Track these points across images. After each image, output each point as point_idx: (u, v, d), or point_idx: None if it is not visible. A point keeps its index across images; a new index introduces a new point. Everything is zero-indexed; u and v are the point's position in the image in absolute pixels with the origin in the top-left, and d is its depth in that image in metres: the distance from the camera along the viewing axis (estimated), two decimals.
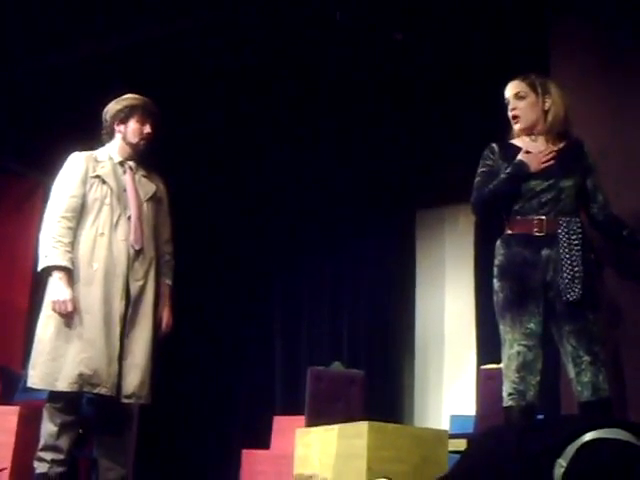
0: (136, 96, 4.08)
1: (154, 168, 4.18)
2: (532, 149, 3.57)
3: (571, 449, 2.13)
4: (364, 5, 5.11)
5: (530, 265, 3.44)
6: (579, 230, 3.40)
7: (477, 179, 3.65)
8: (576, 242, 3.37)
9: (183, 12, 5.20)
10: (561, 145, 3.58)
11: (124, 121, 4.05)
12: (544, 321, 3.43)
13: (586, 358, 3.34)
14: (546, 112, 3.58)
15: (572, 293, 3.32)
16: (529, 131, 3.62)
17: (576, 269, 3.34)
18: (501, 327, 3.49)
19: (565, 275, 3.34)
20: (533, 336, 3.40)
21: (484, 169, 3.64)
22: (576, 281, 3.32)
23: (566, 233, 3.40)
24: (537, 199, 3.49)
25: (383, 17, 5.23)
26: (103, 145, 4.11)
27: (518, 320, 3.42)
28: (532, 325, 3.41)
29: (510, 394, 3.40)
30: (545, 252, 3.43)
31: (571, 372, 3.39)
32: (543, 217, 3.46)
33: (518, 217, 3.52)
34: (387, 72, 5.82)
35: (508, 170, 3.53)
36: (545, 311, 3.43)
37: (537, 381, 3.40)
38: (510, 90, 3.65)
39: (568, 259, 3.35)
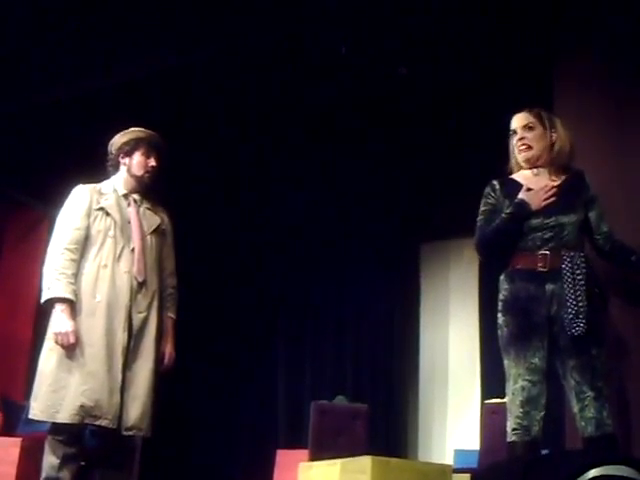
0: (142, 129, 4.10)
1: (159, 201, 4.20)
2: (533, 184, 3.57)
3: None
4: (369, 39, 5.15)
5: (534, 300, 3.43)
6: (583, 265, 3.39)
7: (479, 218, 3.65)
8: (580, 277, 3.37)
9: (188, 46, 5.25)
10: (562, 178, 3.59)
11: (129, 154, 4.07)
12: (548, 356, 3.42)
13: (590, 393, 3.32)
14: (552, 145, 3.60)
15: (577, 328, 3.31)
16: (534, 162, 3.62)
17: (580, 304, 3.32)
18: (505, 362, 3.47)
19: (570, 310, 3.33)
20: (537, 371, 3.39)
21: (486, 208, 3.64)
22: (580, 316, 3.31)
23: (570, 268, 3.39)
24: (540, 236, 3.48)
25: (388, 51, 5.27)
26: (108, 177, 4.13)
27: (522, 355, 3.41)
28: (536, 360, 3.40)
29: (514, 429, 3.38)
30: (549, 287, 3.42)
31: (575, 407, 3.36)
32: (547, 252, 3.46)
33: (522, 252, 3.51)
34: (391, 106, 5.85)
35: (509, 210, 3.53)
36: (549, 346, 3.42)
37: (541, 416, 3.38)
38: (519, 121, 3.65)
39: (572, 294, 3.34)
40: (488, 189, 3.66)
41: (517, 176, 3.66)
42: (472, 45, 5.11)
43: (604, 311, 3.55)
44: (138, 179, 4.07)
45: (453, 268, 6.93)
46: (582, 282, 3.35)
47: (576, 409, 3.35)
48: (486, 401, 5.42)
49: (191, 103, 5.87)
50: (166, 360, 4.02)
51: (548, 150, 3.60)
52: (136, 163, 4.06)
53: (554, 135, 3.59)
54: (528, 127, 3.61)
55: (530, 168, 3.63)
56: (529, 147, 3.61)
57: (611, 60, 4.14)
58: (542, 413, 3.38)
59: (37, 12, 5.00)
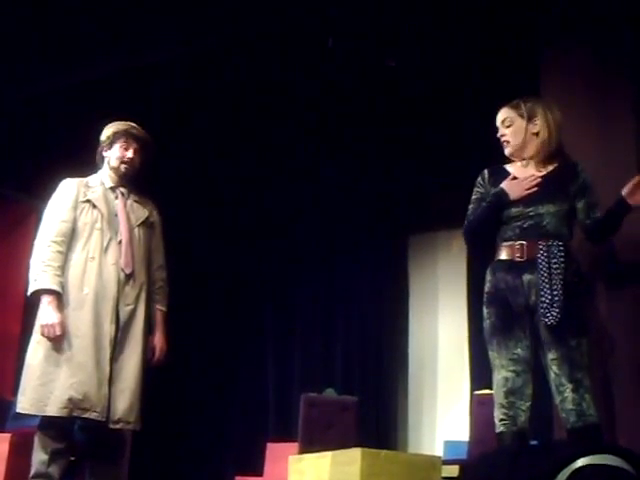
0: (122, 122, 4.10)
1: (147, 194, 4.19)
2: (521, 174, 3.59)
3: (563, 476, 2.12)
4: (357, 32, 5.14)
5: (513, 291, 3.45)
6: (560, 254, 3.39)
7: (469, 207, 3.69)
8: (556, 266, 3.37)
9: (177, 37, 5.24)
10: (550, 168, 3.59)
11: (110, 147, 4.08)
12: (532, 346, 3.43)
13: (568, 385, 3.32)
14: (536, 135, 3.60)
15: (550, 317, 3.31)
16: (519, 155, 3.64)
17: (555, 292, 3.33)
18: (489, 353, 3.50)
19: (543, 299, 3.34)
20: (521, 361, 3.41)
21: (475, 196, 3.69)
22: (555, 305, 3.31)
23: (545, 257, 3.39)
24: (519, 225, 3.51)
25: (376, 44, 5.27)
26: (97, 171, 4.13)
27: (504, 346, 3.43)
28: (519, 350, 3.42)
29: (501, 420, 3.40)
30: (526, 277, 3.43)
31: (556, 399, 3.38)
32: (523, 242, 3.47)
33: (503, 243, 3.54)
34: (379, 99, 5.85)
35: (488, 199, 3.58)
36: (532, 336, 3.43)
37: (527, 406, 3.40)
38: (499, 117, 3.69)
39: (547, 283, 3.35)
40: (479, 178, 3.71)
41: (510, 166, 3.68)
42: (458, 36, 5.11)
43: (587, 301, 3.54)
44: (116, 171, 4.08)
45: (441, 260, 6.94)
46: (558, 271, 3.36)
47: (557, 401, 3.37)
48: (475, 392, 5.43)
49: (181, 96, 5.85)
50: (157, 353, 4.02)
51: (531, 142, 3.60)
52: (114, 155, 4.07)
53: (536, 126, 3.59)
54: (506, 124, 3.65)
55: (520, 160, 3.65)
56: (507, 142, 3.64)
57: (596, 48, 4.16)
58: (528, 403, 3.40)
59: (24, 8, 4.99)
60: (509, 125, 3.63)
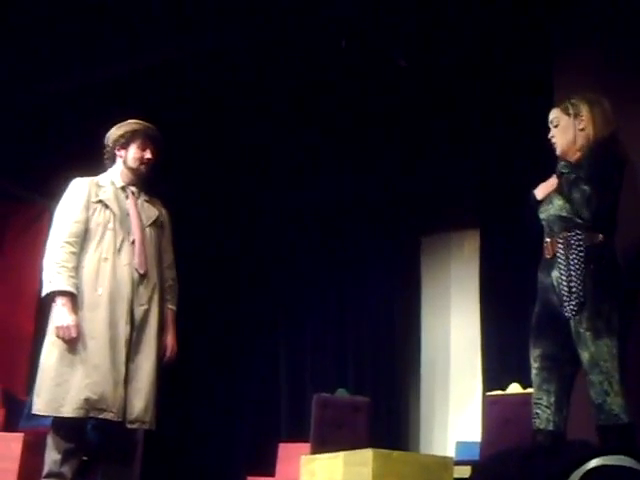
0: (138, 121, 4.09)
1: (157, 194, 4.20)
2: None
3: (575, 476, 2.11)
4: (369, 33, 5.14)
5: (547, 289, 3.48)
6: (577, 244, 3.38)
7: None
8: (573, 256, 3.37)
9: (187, 38, 5.24)
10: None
11: (125, 146, 4.06)
12: (566, 344, 3.40)
13: (590, 388, 3.32)
14: (582, 130, 3.55)
15: (568, 308, 3.34)
16: (568, 153, 3.57)
17: (572, 284, 3.33)
18: None
19: (563, 291, 3.36)
20: (548, 357, 3.45)
21: None
22: (573, 296, 3.32)
23: (563, 251, 3.40)
24: (547, 223, 3.53)
25: (388, 44, 5.26)
26: (106, 170, 4.13)
27: (536, 342, 3.50)
28: (547, 347, 3.46)
29: (533, 414, 3.47)
30: (554, 274, 3.45)
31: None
32: (549, 239, 3.49)
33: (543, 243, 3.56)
34: (392, 99, 5.84)
35: None
36: (569, 334, 3.39)
37: (552, 402, 3.41)
38: (549, 119, 3.66)
39: (565, 276, 3.36)
40: None
41: None
42: (472, 37, 5.10)
43: (620, 299, 3.40)
44: (134, 171, 4.07)
45: (454, 261, 6.91)
46: (575, 261, 3.35)
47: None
48: (487, 393, 5.42)
49: (190, 97, 5.86)
50: (168, 352, 4.01)
51: (579, 137, 3.54)
52: (132, 155, 4.06)
53: (582, 121, 3.54)
54: (553, 124, 3.63)
55: (571, 159, 3.58)
56: (554, 144, 3.61)
57: (610, 50, 4.14)
58: (552, 399, 3.40)
59: (34, 8, 5.00)
60: (556, 125, 3.60)
